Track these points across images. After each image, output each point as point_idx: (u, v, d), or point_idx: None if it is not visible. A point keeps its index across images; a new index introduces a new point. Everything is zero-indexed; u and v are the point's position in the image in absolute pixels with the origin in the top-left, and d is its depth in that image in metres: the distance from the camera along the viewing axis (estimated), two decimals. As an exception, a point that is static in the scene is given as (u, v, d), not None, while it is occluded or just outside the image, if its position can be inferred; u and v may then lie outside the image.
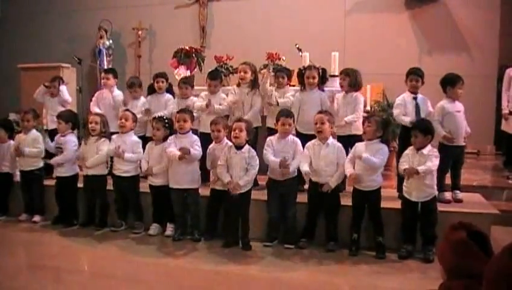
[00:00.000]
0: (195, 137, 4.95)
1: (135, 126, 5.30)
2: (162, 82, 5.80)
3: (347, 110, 5.07)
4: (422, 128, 4.35)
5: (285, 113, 4.74)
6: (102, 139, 5.21)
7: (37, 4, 10.71)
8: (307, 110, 5.14)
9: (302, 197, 4.75)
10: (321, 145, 4.59)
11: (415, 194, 4.32)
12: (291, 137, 4.74)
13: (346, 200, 4.67)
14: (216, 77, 5.63)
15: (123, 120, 5.17)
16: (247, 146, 4.59)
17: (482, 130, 7.23)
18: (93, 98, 6.19)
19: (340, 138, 5.01)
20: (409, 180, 4.35)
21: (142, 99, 5.91)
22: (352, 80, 5.07)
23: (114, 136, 5.25)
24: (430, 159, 4.27)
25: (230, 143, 4.70)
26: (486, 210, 4.59)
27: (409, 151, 4.43)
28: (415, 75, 4.97)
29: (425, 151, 4.31)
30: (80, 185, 5.39)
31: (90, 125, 5.24)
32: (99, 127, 5.21)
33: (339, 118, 5.02)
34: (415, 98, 4.96)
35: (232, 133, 4.56)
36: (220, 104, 5.43)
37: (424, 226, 4.33)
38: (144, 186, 5.21)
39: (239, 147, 4.58)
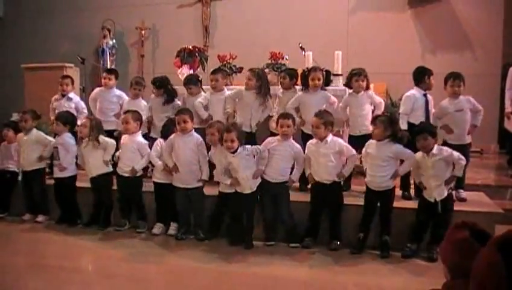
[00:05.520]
0: (200, 139, 4.91)
1: (139, 125, 5.25)
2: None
3: (363, 109, 5.07)
4: (431, 131, 4.34)
5: (283, 115, 4.75)
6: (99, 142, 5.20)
7: (40, 4, 10.73)
8: (310, 111, 5.12)
9: (306, 197, 4.76)
10: (319, 143, 4.59)
11: (436, 193, 4.28)
12: (294, 144, 4.71)
13: (350, 200, 4.68)
14: (215, 72, 5.63)
15: (124, 124, 5.19)
16: (240, 148, 4.55)
17: (486, 128, 7.18)
18: (91, 97, 6.26)
19: (353, 138, 5.03)
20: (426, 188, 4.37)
21: (143, 101, 5.95)
22: (368, 82, 5.14)
23: (123, 136, 5.25)
24: (455, 161, 4.29)
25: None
26: (490, 209, 4.59)
27: (419, 156, 4.39)
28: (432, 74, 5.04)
29: (435, 151, 4.30)
30: (82, 184, 5.41)
31: (79, 128, 5.33)
32: (87, 131, 5.21)
33: (355, 117, 5.06)
34: (425, 95, 4.99)
35: (224, 144, 4.54)
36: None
37: (438, 225, 4.26)
38: (147, 186, 5.23)
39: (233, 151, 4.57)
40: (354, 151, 4.60)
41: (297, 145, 4.73)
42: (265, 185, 4.67)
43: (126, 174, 5.13)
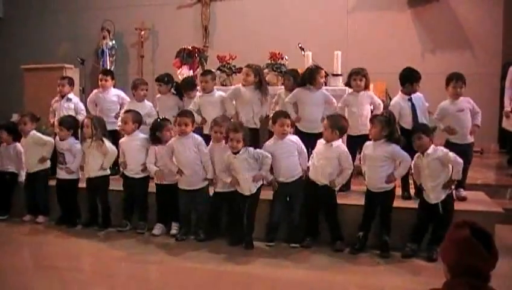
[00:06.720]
0: (199, 138, 4.90)
1: (138, 126, 5.22)
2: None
3: (364, 108, 5.07)
4: (425, 130, 4.35)
5: (284, 114, 4.74)
6: (104, 143, 5.19)
7: (40, 5, 10.74)
8: (308, 109, 5.14)
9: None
10: (326, 145, 4.58)
11: (434, 196, 4.29)
12: (291, 137, 4.72)
13: (350, 200, 4.66)
14: (205, 74, 5.60)
15: (122, 123, 5.19)
16: (242, 150, 4.54)
17: (486, 128, 7.15)
18: (89, 99, 6.27)
19: (351, 138, 5.02)
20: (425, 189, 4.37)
21: (149, 103, 5.94)
22: (368, 81, 5.10)
23: (122, 141, 5.25)
24: (452, 163, 4.25)
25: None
26: (490, 208, 4.58)
27: (416, 157, 4.40)
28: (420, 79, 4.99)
29: (430, 151, 4.29)
30: (83, 185, 5.39)
31: (83, 129, 5.30)
32: (90, 131, 5.20)
33: (355, 117, 5.03)
34: (409, 100, 4.97)
35: (229, 142, 4.53)
36: None
37: (439, 226, 4.25)
38: (150, 186, 5.22)
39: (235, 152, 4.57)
40: (350, 164, 4.56)
41: (295, 137, 4.76)
42: (281, 186, 4.65)
43: (137, 176, 5.13)
